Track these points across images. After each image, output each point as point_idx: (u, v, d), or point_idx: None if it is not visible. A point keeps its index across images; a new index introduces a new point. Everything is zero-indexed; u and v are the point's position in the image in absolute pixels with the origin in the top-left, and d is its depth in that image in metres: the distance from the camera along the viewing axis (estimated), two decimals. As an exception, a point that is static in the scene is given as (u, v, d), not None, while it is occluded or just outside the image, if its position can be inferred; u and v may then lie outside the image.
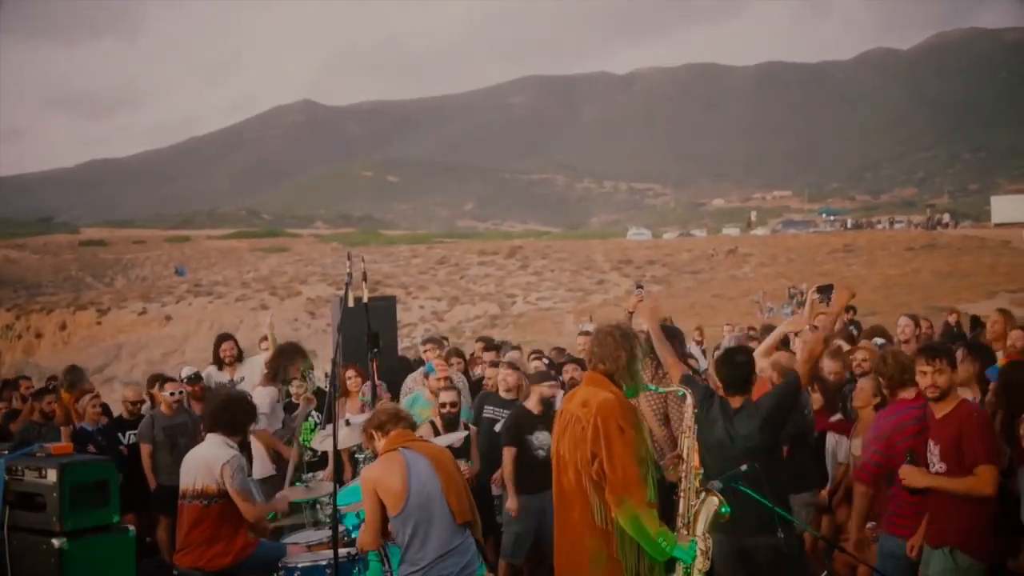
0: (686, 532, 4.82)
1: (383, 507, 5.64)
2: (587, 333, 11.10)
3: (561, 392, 8.63)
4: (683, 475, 4.95)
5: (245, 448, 6.88)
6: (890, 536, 6.21)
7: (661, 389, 6.10)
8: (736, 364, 5.94)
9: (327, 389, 9.92)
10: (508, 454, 8.17)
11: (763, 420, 5.68)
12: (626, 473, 4.60)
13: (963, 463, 5.44)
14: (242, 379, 10.19)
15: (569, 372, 9.61)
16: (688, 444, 4.99)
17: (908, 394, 6.21)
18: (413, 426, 6.14)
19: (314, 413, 9.03)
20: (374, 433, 5.95)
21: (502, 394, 9.01)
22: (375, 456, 6.05)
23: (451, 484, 5.75)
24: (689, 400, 5.11)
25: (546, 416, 8.13)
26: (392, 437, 5.84)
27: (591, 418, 4.71)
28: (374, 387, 8.92)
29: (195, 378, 10.08)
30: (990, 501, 5.41)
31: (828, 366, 8.39)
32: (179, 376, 10.26)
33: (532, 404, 8.32)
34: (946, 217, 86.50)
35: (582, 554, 4.81)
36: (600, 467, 4.65)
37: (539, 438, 8.13)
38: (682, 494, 4.91)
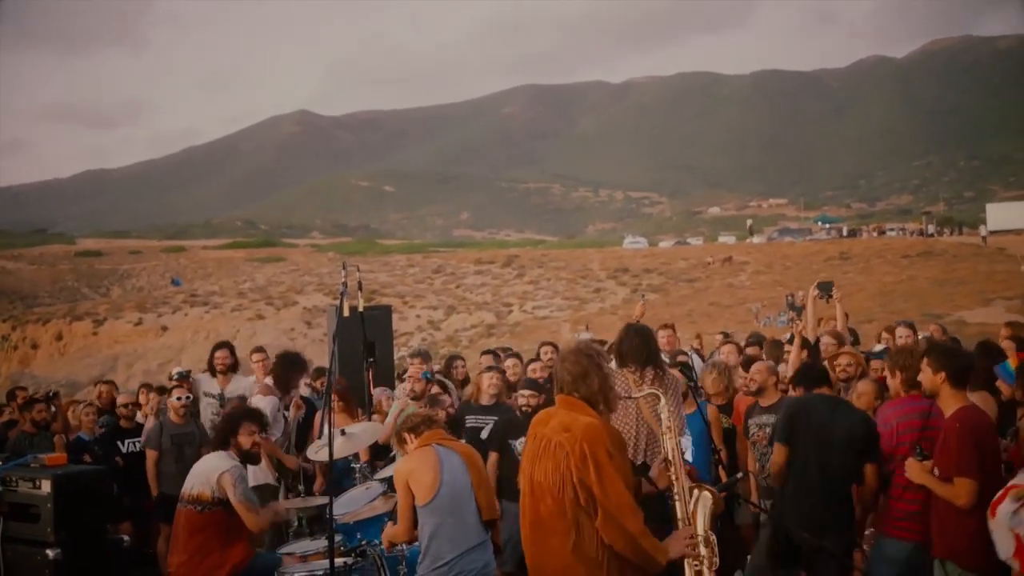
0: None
1: (414, 499, 5.74)
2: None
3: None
4: (674, 478, 4.79)
5: (249, 459, 6.84)
6: (890, 539, 6.19)
7: (634, 396, 5.96)
8: None
9: (310, 397, 9.89)
10: (491, 459, 8.21)
11: None
12: (620, 499, 4.44)
13: (947, 471, 5.46)
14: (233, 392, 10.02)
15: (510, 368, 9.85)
16: (671, 445, 4.83)
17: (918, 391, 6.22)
18: (445, 429, 6.23)
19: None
20: (407, 436, 6.11)
21: (485, 401, 8.94)
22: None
23: (481, 482, 5.93)
24: (663, 400, 4.96)
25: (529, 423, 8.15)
26: (426, 436, 6.00)
27: (576, 444, 4.52)
28: (370, 396, 8.90)
29: (184, 376, 9.99)
30: (982, 512, 5.26)
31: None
32: (170, 376, 10.19)
33: (518, 412, 8.35)
34: (931, 228, 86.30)
35: None
36: (589, 494, 4.48)
37: (523, 444, 8.11)
38: (677, 497, 4.75)
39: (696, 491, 4.76)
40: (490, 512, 5.86)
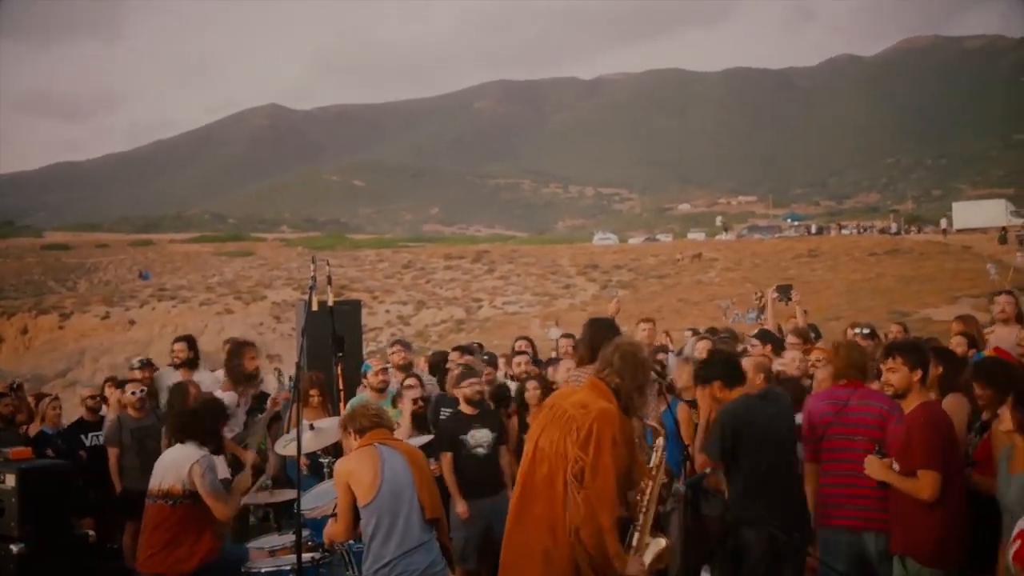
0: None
1: (355, 499, 5.66)
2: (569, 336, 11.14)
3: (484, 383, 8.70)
4: (642, 512, 4.86)
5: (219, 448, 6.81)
6: (825, 528, 6.15)
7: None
8: None
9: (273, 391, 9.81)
10: (445, 460, 8.11)
11: None
12: (606, 487, 4.55)
13: (910, 465, 5.46)
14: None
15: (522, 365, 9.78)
16: (649, 487, 4.90)
17: (874, 386, 6.22)
18: (391, 428, 6.19)
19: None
20: (352, 432, 5.98)
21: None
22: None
23: (423, 480, 5.82)
24: (660, 441, 5.05)
25: (482, 414, 8.23)
26: (369, 435, 5.89)
27: (589, 421, 4.65)
28: (338, 390, 8.85)
29: (145, 364, 9.83)
30: (942, 508, 5.36)
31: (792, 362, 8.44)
32: (131, 365, 9.98)
33: (462, 405, 8.32)
34: (893, 227, 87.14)
35: (535, 549, 4.73)
36: (581, 471, 4.59)
37: (475, 436, 8.12)
38: (639, 529, 4.82)
39: (657, 536, 4.84)
40: (433, 510, 5.78)
